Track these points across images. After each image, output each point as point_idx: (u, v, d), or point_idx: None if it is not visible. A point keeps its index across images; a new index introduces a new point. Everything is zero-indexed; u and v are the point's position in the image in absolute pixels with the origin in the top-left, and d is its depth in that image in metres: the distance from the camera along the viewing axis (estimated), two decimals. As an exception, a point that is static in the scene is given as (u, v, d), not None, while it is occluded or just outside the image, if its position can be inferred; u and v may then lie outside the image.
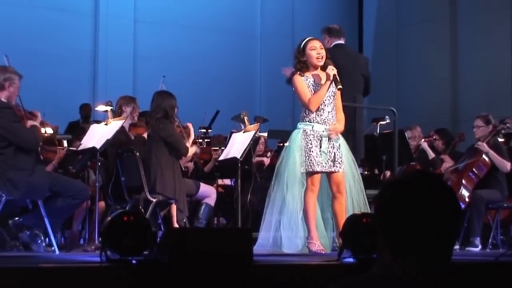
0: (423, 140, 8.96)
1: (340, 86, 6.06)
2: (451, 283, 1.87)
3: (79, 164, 7.49)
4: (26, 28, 12.29)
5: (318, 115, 6.08)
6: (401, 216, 1.88)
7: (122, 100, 7.65)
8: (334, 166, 6.05)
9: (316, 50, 6.16)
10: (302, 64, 6.18)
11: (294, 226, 6.15)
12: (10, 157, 5.96)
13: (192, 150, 7.42)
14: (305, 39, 6.28)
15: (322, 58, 6.15)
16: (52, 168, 7.18)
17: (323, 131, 6.07)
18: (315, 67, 6.18)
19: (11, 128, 5.96)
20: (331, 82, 6.06)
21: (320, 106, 6.08)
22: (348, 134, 6.74)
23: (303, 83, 6.13)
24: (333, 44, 7.41)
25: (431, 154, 8.78)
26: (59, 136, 7.63)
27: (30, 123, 6.17)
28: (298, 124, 6.22)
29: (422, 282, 1.84)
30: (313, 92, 6.11)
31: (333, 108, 6.14)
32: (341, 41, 7.49)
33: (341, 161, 6.09)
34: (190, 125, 7.64)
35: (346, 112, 6.48)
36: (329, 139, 6.07)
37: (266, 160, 8.81)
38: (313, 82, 6.13)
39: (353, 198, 6.23)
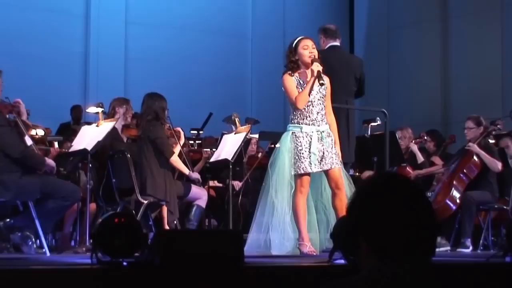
0: (413, 142, 9.00)
1: (322, 82, 5.94)
2: (441, 282, 1.88)
3: (70, 165, 7.48)
4: (17, 30, 12.25)
5: (306, 116, 6.02)
6: (376, 221, 1.91)
7: (115, 102, 7.65)
8: (327, 163, 6.00)
9: (309, 49, 6.07)
10: (293, 64, 6.12)
11: (283, 228, 6.14)
12: (1, 159, 5.94)
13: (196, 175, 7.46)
14: (297, 38, 6.21)
15: (314, 57, 6.05)
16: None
17: (312, 132, 6.04)
18: (307, 66, 6.08)
19: None
20: (315, 78, 5.94)
21: (308, 107, 6.05)
22: (344, 140, 6.67)
23: (292, 82, 6.07)
24: (328, 45, 7.28)
25: (420, 158, 8.83)
26: (50, 138, 7.61)
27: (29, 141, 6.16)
28: (288, 126, 6.18)
29: (412, 282, 1.85)
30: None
31: (322, 109, 6.08)
32: (336, 43, 7.35)
33: (335, 157, 6.02)
34: (180, 130, 7.60)
35: (339, 118, 6.46)
36: (320, 138, 6.03)
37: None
38: (302, 82, 6.07)
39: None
